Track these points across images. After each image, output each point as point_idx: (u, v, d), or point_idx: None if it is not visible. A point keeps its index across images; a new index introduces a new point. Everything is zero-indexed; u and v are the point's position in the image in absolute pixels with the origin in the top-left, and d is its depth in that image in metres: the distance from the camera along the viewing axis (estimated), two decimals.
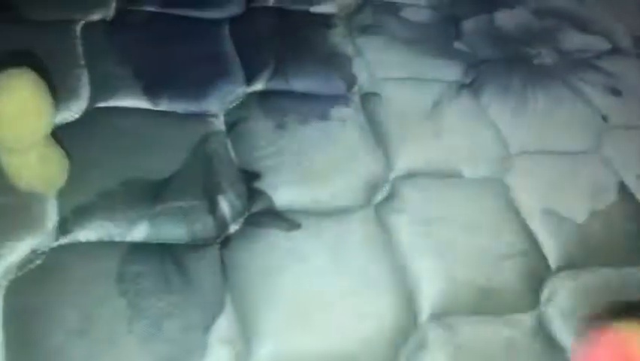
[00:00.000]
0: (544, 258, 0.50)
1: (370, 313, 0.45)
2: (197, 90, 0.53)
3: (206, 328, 0.40)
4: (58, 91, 0.47)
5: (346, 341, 0.43)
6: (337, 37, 0.60)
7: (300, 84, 0.56)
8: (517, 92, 0.59)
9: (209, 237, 0.45)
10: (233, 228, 0.46)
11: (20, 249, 0.42)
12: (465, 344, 0.45)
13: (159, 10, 0.59)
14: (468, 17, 0.63)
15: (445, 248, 0.49)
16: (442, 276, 0.48)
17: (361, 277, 0.46)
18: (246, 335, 0.41)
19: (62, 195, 0.45)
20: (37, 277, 0.41)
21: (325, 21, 0.61)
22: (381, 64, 0.58)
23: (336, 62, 0.58)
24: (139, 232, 0.44)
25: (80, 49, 0.54)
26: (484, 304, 0.47)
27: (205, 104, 0.53)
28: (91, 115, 0.50)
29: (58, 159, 0.45)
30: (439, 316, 0.46)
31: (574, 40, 0.64)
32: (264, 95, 0.55)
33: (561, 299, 0.48)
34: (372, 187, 0.51)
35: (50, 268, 0.41)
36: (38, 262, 0.42)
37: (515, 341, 0.45)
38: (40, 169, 0.44)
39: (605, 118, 0.59)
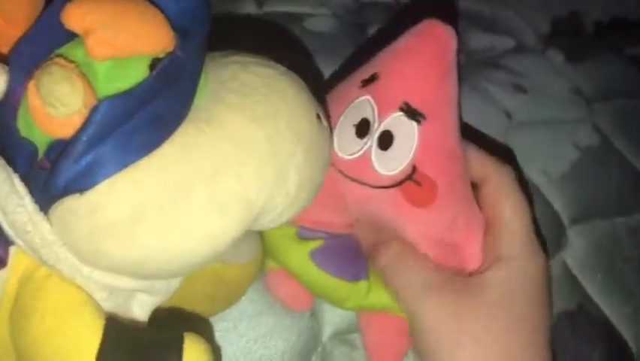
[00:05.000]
0: None
1: (273, 333, 0.46)
2: None
3: None
4: None
5: None
6: None
7: None
8: None
9: None
10: None
11: None
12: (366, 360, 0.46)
13: None
14: (374, 24, 0.63)
15: None
16: None
17: (265, 297, 0.47)
18: None
19: None
20: None
21: None
22: None
23: None
24: None
25: None
26: None
27: None
28: None
29: None
30: (342, 333, 0.47)
31: (479, 40, 0.65)
32: None
33: None
34: None
35: None
36: None
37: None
38: None
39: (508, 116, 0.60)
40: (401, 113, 0.37)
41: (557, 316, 0.49)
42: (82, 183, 0.28)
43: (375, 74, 0.39)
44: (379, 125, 0.38)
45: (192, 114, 0.31)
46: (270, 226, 0.34)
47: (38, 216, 0.29)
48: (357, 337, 0.47)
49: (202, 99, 0.31)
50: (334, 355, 0.46)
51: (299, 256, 0.41)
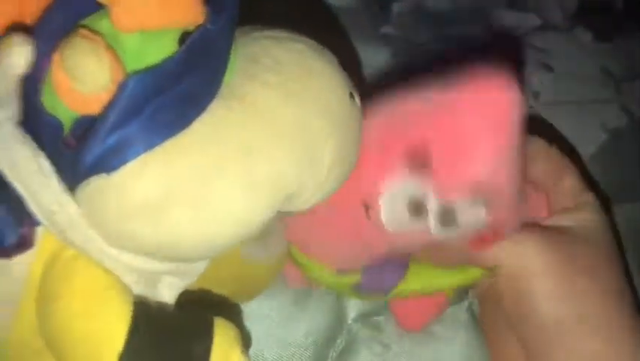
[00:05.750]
0: None
1: (297, 315, 0.46)
2: None
3: None
4: None
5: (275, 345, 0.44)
6: None
7: None
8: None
9: None
10: None
11: None
12: (391, 342, 0.45)
13: None
14: (397, 0, 0.62)
15: None
16: None
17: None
18: None
19: None
20: None
21: None
22: None
23: None
24: None
25: None
26: None
27: None
28: None
29: None
30: (366, 316, 0.47)
31: (505, 17, 0.63)
32: None
33: None
34: None
35: None
36: None
37: (441, 335, 0.46)
38: None
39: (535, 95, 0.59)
40: (464, 199, 0.33)
41: None
42: (110, 163, 0.27)
43: (427, 156, 0.33)
44: (438, 205, 0.33)
45: (222, 91, 0.29)
46: (302, 208, 0.32)
47: (65, 196, 0.28)
48: (383, 319, 0.47)
49: (232, 75, 0.30)
50: (360, 337, 0.46)
51: (342, 290, 0.41)
